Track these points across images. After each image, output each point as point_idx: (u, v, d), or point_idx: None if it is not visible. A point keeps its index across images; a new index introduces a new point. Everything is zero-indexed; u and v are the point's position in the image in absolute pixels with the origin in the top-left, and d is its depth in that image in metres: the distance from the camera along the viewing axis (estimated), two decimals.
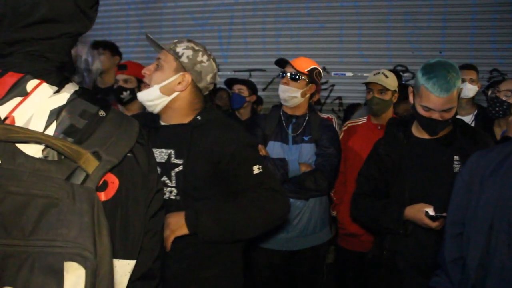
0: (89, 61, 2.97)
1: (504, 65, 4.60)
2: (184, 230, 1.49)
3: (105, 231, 0.72)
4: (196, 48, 1.59)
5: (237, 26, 5.36)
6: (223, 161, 1.53)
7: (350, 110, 4.59)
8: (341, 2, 5.09)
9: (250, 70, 5.26)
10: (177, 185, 1.55)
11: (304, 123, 2.41)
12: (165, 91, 1.55)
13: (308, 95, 2.40)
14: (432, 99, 1.70)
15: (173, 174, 1.56)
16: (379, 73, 2.63)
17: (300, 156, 2.36)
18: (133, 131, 0.85)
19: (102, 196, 0.81)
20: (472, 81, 2.98)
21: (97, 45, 3.23)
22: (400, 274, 1.82)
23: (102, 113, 0.82)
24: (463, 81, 2.93)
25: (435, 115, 1.73)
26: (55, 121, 0.77)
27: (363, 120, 2.79)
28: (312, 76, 2.37)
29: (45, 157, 0.74)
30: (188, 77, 1.56)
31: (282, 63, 2.42)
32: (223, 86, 3.83)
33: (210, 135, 1.55)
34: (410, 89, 1.85)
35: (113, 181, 0.82)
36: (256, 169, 1.55)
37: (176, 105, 1.58)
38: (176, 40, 1.61)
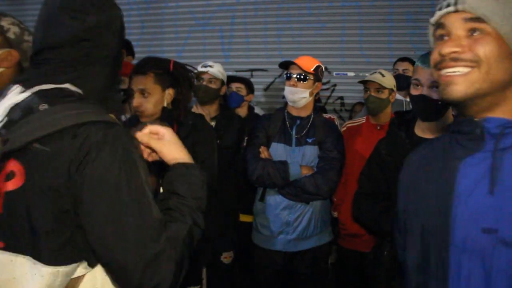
0: None
1: None
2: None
3: None
4: None
5: (239, 26, 5.36)
6: None
7: (353, 110, 4.60)
8: (342, 2, 5.08)
9: (251, 70, 5.25)
10: None
11: (309, 124, 2.39)
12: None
13: (314, 94, 2.40)
14: (419, 71, 1.72)
15: None
16: (375, 72, 2.66)
17: (302, 158, 2.34)
18: (58, 124, 0.84)
19: (9, 186, 0.84)
20: None
21: None
22: (400, 275, 1.82)
23: (42, 107, 0.86)
24: None
25: (424, 91, 1.68)
26: (7, 117, 0.88)
27: (362, 120, 2.80)
28: (318, 74, 2.37)
29: None
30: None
31: (287, 64, 2.40)
32: None
33: None
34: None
35: (20, 171, 0.84)
36: None
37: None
38: None
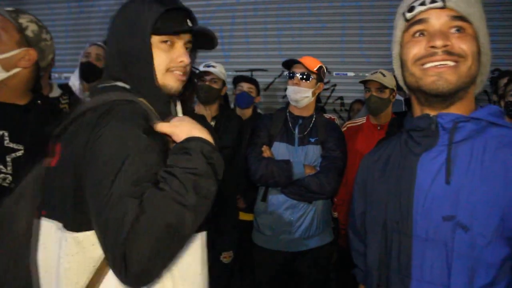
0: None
1: (506, 64, 4.58)
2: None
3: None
4: None
5: (239, 26, 5.36)
6: None
7: (351, 108, 4.60)
8: (342, 2, 5.08)
9: (251, 70, 5.25)
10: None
11: (311, 124, 2.40)
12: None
13: (316, 94, 2.40)
14: None
15: None
16: (376, 72, 2.65)
17: (305, 157, 2.35)
18: (87, 106, 0.99)
19: (52, 163, 1.02)
20: None
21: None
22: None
23: (87, 99, 1.05)
24: None
25: None
26: None
27: (362, 120, 2.80)
28: (320, 74, 2.37)
29: None
30: None
31: (291, 63, 2.40)
32: None
33: None
34: None
35: (58, 150, 1.01)
36: None
37: None
38: None
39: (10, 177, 1.38)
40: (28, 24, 1.43)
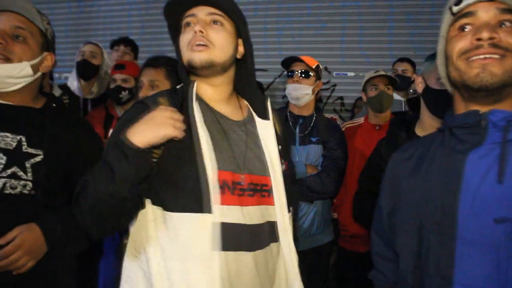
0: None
1: None
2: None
3: None
4: None
5: None
6: None
7: (355, 105, 4.58)
8: (342, 2, 5.08)
9: None
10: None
11: (312, 123, 2.40)
12: None
13: (315, 92, 2.41)
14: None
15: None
16: (378, 71, 2.66)
17: (307, 157, 2.34)
18: None
19: None
20: None
21: (122, 43, 3.24)
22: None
23: None
24: None
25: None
26: None
27: (361, 120, 2.79)
28: (318, 72, 2.39)
29: None
30: None
31: (292, 60, 2.40)
32: None
33: None
34: (418, 78, 1.81)
35: None
36: None
37: None
38: None
39: (30, 184, 1.32)
40: (47, 27, 1.43)
